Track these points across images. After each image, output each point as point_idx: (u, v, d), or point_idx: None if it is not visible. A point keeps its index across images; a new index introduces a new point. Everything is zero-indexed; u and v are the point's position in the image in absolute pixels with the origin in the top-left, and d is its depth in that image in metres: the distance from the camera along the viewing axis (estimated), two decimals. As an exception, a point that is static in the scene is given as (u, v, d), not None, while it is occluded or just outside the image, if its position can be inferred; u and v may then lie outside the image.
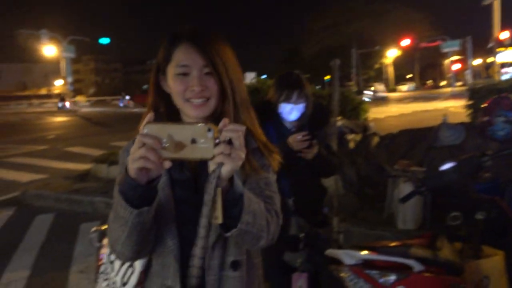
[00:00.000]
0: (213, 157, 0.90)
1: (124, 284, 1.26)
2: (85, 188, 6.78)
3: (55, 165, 9.96)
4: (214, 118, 1.15)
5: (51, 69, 71.03)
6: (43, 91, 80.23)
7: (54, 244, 4.88)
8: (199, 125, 0.90)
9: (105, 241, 2.27)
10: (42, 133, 18.18)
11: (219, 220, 0.94)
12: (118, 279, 1.29)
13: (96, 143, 13.31)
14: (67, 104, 36.07)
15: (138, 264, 1.24)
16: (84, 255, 4.43)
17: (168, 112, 1.22)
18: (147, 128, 0.91)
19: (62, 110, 34.14)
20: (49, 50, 35.93)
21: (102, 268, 1.41)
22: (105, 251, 2.27)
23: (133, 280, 1.24)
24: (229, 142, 0.91)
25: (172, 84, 1.16)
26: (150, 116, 0.95)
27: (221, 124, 0.93)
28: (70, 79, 35.46)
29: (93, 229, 2.35)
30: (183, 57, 1.14)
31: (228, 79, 1.15)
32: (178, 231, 1.15)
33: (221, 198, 0.94)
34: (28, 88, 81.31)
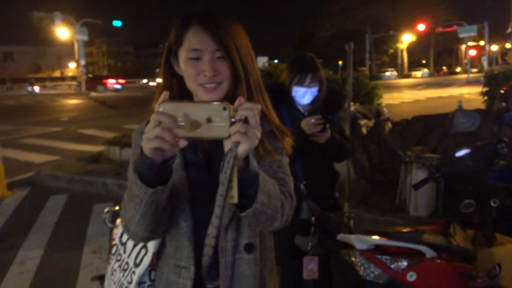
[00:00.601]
0: (228, 136, 0.89)
1: (137, 265, 1.26)
2: (98, 169, 6.86)
3: (68, 146, 10.08)
4: (227, 101, 1.13)
5: (65, 52, 71.42)
6: (57, 74, 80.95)
7: (68, 224, 4.97)
8: (214, 103, 0.89)
9: (118, 221, 2.30)
10: (56, 115, 18.37)
11: (235, 199, 0.94)
12: (130, 260, 1.29)
13: (108, 126, 13.43)
14: (36, 88, 39.75)
15: (151, 245, 1.24)
16: (97, 236, 4.51)
17: (180, 94, 1.21)
18: (163, 106, 0.90)
19: (33, 94, 37.18)
20: (63, 32, 36.06)
21: (113, 250, 1.41)
22: (117, 231, 2.30)
23: (146, 261, 1.25)
24: (245, 120, 0.90)
25: (184, 68, 1.14)
26: (165, 94, 0.93)
27: (236, 103, 0.92)
28: (83, 62, 35.61)
29: (106, 209, 2.38)
30: (195, 40, 1.11)
31: (241, 62, 1.13)
32: (192, 212, 1.15)
33: (237, 177, 0.93)
34: (42, 70, 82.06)
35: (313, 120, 2.21)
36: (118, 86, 42.46)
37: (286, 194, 1.13)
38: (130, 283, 1.26)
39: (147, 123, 1.20)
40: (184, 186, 1.14)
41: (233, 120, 0.89)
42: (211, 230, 0.96)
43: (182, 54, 1.14)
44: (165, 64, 1.21)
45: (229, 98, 1.14)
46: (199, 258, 1.13)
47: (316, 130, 2.23)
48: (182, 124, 0.88)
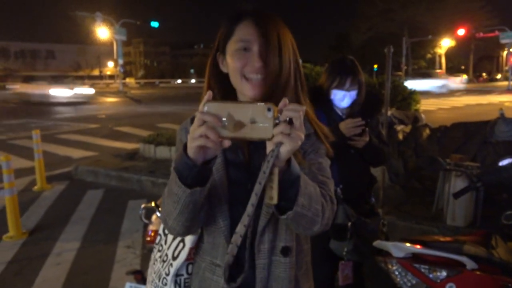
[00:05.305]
0: (272, 137, 0.88)
1: (175, 258, 1.30)
2: (133, 166, 7.01)
3: (105, 143, 10.36)
4: (270, 98, 1.12)
5: (104, 51, 73.56)
6: (96, 72, 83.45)
7: (103, 218, 5.10)
8: (258, 104, 0.88)
9: (153, 218, 2.35)
10: (94, 112, 18.90)
11: (274, 200, 0.93)
12: (169, 252, 1.33)
13: (143, 124, 13.70)
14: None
15: (188, 241, 1.26)
16: (131, 231, 4.61)
17: (223, 93, 1.21)
18: (207, 106, 0.90)
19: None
20: (103, 32, 37.08)
21: (157, 239, 1.46)
22: (152, 228, 2.35)
23: (183, 255, 1.28)
24: (290, 121, 0.89)
25: (231, 60, 1.14)
26: (209, 94, 0.94)
27: (281, 104, 0.90)
28: (121, 61, 36.49)
29: (142, 206, 2.43)
30: (245, 32, 1.12)
31: (288, 59, 1.14)
32: (230, 212, 1.15)
33: (277, 178, 0.92)
34: (82, 68, 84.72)
35: (351, 123, 2.18)
36: None
37: (327, 198, 1.12)
38: (167, 274, 1.30)
39: (192, 119, 1.21)
40: (224, 185, 1.14)
41: (277, 121, 0.88)
42: (240, 228, 0.96)
43: (230, 47, 1.14)
44: (212, 62, 1.21)
45: (272, 95, 1.13)
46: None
47: (355, 132, 2.20)
48: (226, 124, 0.88)
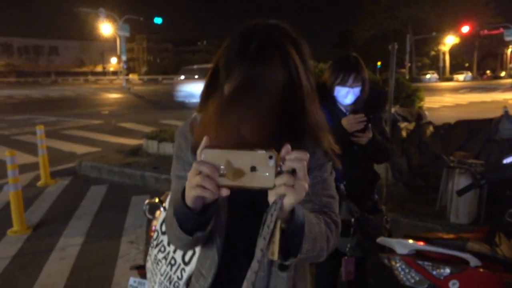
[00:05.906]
0: (274, 187, 0.84)
1: (186, 263, 1.26)
2: (137, 162, 7.02)
3: (108, 139, 10.39)
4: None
5: (107, 47, 73.67)
6: (99, 68, 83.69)
7: (107, 214, 5.12)
8: (259, 152, 0.83)
9: (157, 213, 2.35)
10: (97, 108, 18.95)
11: (275, 256, 0.89)
12: (177, 256, 1.29)
13: (147, 120, 13.73)
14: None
15: (199, 249, 1.23)
16: (134, 226, 4.62)
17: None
18: (204, 154, 0.86)
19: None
20: (106, 28, 37.11)
21: (154, 235, 1.43)
22: (155, 223, 2.35)
23: (195, 262, 1.24)
24: (292, 172, 0.84)
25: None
26: (206, 140, 0.89)
27: (283, 152, 0.85)
28: (124, 58, 36.50)
29: (146, 201, 2.44)
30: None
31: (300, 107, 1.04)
32: (227, 228, 1.12)
33: (279, 232, 0.89)
34: (85, 64, 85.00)
35: (353, 118, 2.17)
36: None
37: (332, 226, 1.08)
38: (180, 279, 1.27)
39: (190, 124, 1.18)
40: (224, 205, 1.10)
41: (279, 169, 0.84)
42: (246, 284, 0.90)
43: (229, 89, 1.03)
44: (212, 75, 1.12)
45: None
46: (219, 271, 1.14)
47: (357, 128, 2.20)
48: (225, 172, 0.85)
